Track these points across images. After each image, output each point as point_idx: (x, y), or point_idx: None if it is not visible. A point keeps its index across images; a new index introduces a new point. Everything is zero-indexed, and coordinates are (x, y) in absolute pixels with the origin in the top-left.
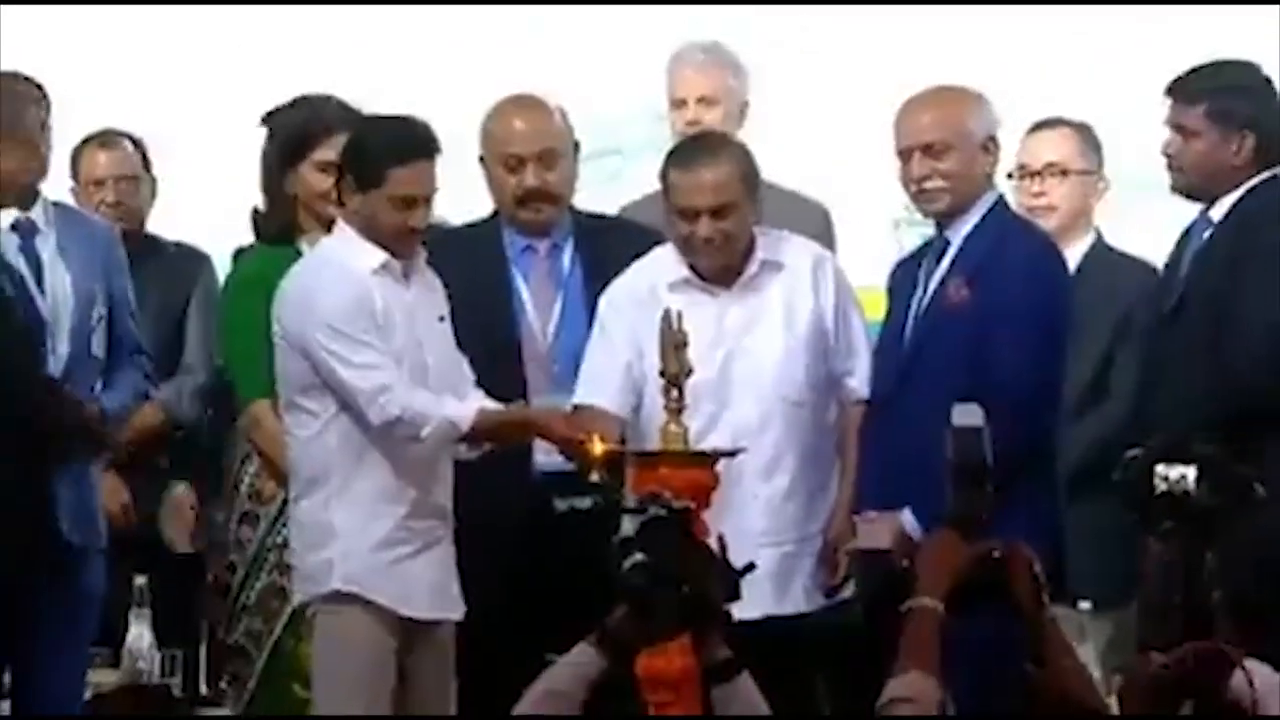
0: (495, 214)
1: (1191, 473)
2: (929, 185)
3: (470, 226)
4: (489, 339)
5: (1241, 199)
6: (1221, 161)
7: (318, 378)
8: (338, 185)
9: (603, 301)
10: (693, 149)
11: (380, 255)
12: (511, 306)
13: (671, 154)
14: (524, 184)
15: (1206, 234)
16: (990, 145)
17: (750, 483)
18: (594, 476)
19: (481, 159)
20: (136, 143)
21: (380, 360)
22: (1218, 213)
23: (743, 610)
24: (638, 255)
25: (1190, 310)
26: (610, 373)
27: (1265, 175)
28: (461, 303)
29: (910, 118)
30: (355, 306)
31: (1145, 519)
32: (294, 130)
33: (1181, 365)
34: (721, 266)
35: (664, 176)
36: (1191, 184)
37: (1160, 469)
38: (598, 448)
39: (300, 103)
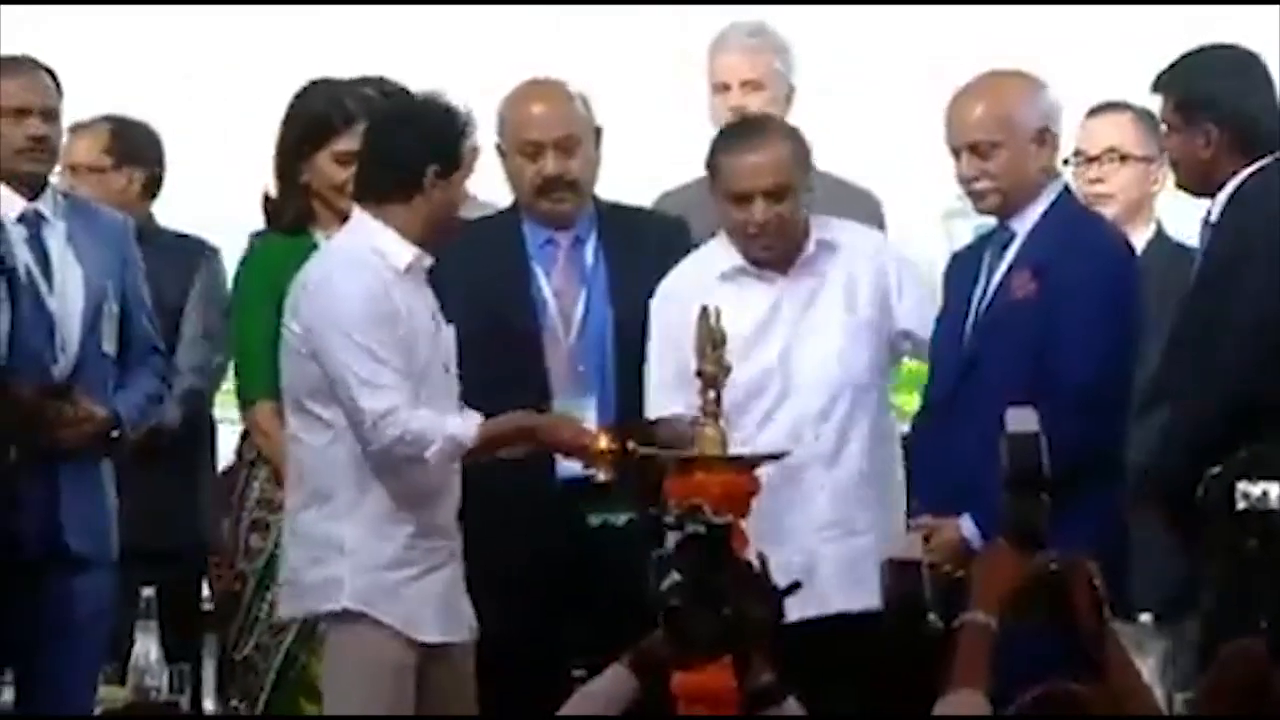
0: (514, 206)
1: (1275, 489)
2: (977, 186)
3: (488, 219)
4: (508, 338)
5: (1229, 197)
6: (1193, 156)
7: (327, 383)
8: (408, 178)
9: (655, 301)
10: (742, 130)
11: (410, 253)
12: (533, 303)
13: (719, 137)
14: (543, 172)
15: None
16: (1046, 136)
17: (815, 473)
18: (601, 476)
19: (499, 148)
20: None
21: (392, 380)
22: (1214, 212)
23: (809, 608)
24: (667, 247)
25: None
26: (682, 374)
27: (1250, 169)
28: (479, 300)
29: (957, 114)
30: (376, 315)
31: (1229, 537)
32: (314, 116)
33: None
34: (778, 254)
35: (712, 162)
36: (1182, 180)
37: (1242, 486)
38: (601, 442)
39: (323, 86)
